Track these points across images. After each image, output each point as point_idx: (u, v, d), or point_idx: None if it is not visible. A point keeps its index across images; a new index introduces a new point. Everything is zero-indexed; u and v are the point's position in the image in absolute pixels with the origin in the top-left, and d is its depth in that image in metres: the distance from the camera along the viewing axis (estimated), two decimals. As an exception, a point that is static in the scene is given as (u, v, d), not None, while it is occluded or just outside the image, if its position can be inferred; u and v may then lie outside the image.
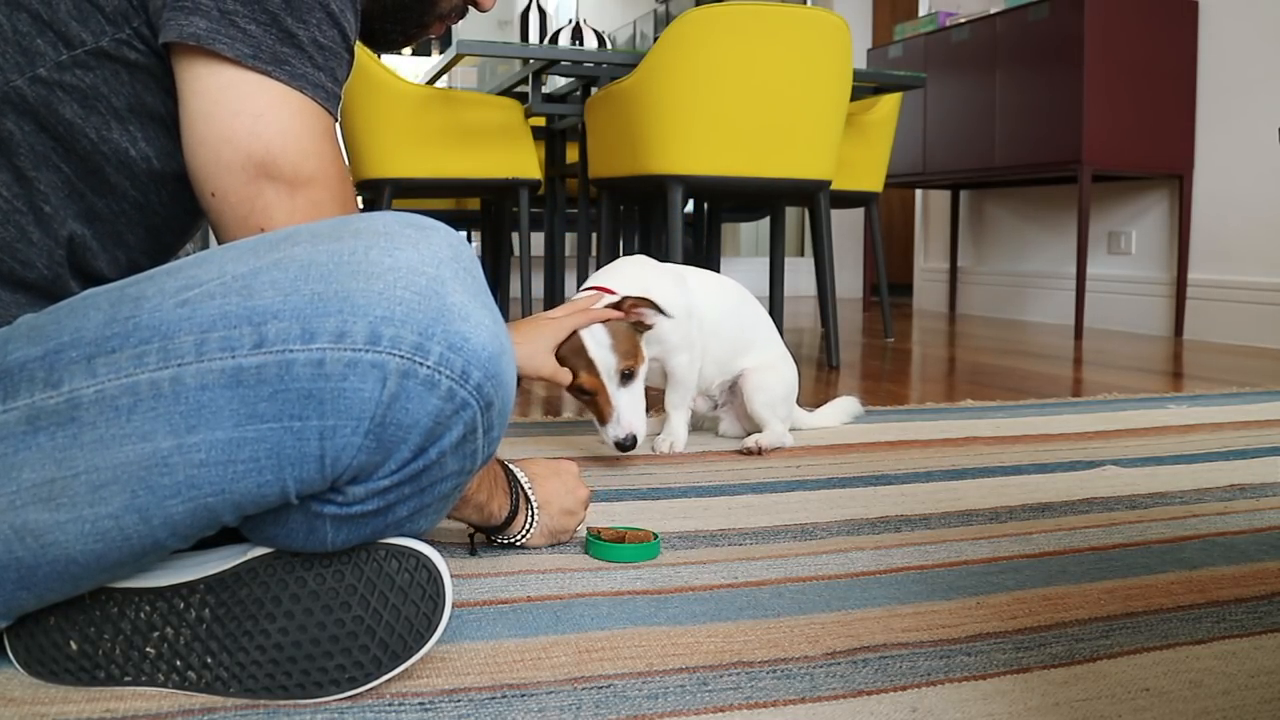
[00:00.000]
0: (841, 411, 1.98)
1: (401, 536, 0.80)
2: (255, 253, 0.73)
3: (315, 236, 0.73)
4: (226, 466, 0.69)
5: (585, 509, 1.18)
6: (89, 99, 0.81)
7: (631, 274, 1.65)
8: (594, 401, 1.52)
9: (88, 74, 0.81)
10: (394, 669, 0.78)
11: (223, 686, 0.77)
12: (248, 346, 0.69)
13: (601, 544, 1.14)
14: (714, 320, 1.73)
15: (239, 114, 0.79)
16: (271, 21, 0.80)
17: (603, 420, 1.52)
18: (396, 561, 0.78)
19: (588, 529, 1.18)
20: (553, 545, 1.17)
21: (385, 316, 0.69)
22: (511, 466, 1.13)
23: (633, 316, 1.53)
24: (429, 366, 0.70)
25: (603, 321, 1.51)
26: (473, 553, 1.15)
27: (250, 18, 0.79)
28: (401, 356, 0.69)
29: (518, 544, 1.15)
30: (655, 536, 1.16)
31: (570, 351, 1.50)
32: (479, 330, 0.73)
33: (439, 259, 0.73)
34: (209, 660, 0.77)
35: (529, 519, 1.13)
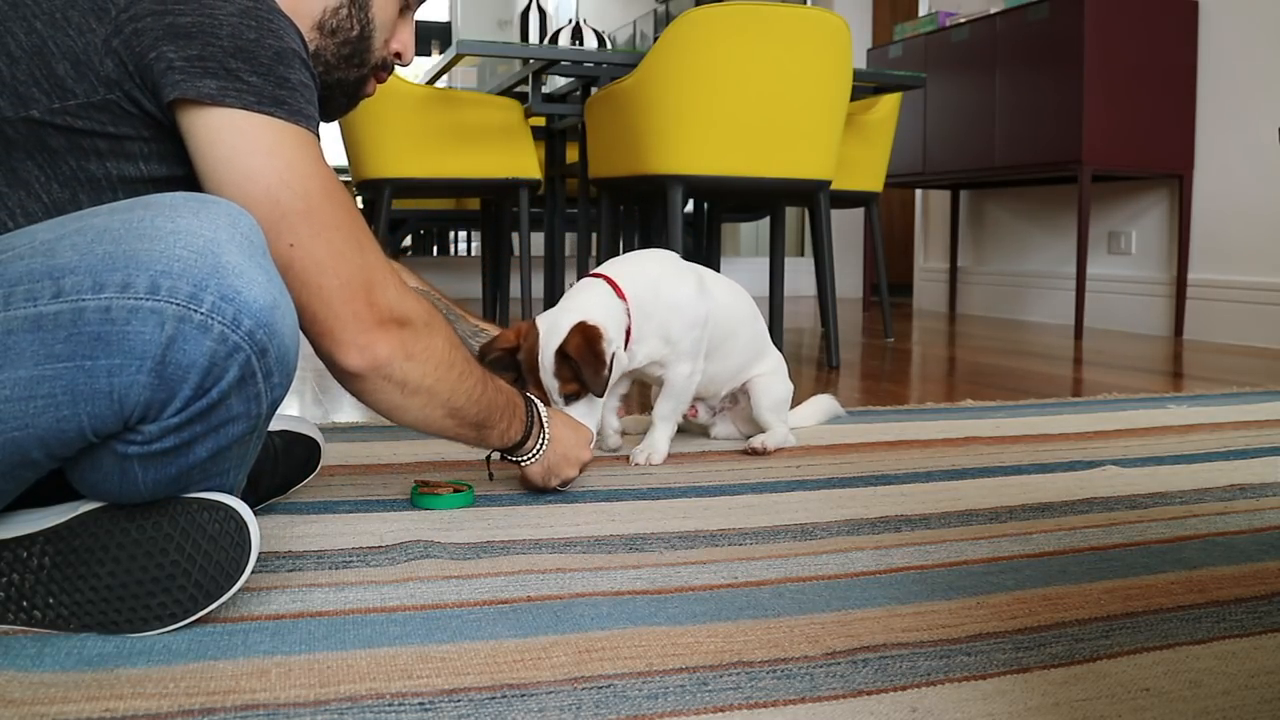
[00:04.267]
0: (819, 411, 1.95)
1: (217, 492, 0.91)
2: (63, 223, 0.84)
3: (113, 210, 0.84)
4: (28, 402, 0.79)
5: (581, 469, 1.38)
6: (75, 135, 0.91)
7: (646, 271, 1.60)
8: None
9: (77, 119, 0.91)
10: (209, 606, 0.90)
11: (63, 623, 0.88)
12: (47, 297, 0.79)
13: (421, 496, 1.33)
14: (732, 328, 1.68)
15: (254, 152, 0.92)
16: (268, 71, 0.93)
17: None
18: (208, 513, 0.89)
19: (415, 481, 1.37)
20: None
21: (164, 270, 0.80)
22: (536, 402, 1.31)
23: (578, 355, 1.45)
24: (202, 313, 0.80)
25: (560, 346, 1.46)
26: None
27: (251, 71, 0.92)
28: (177, 304, 0.79)
29: (523, 463, 1.32)
30: (469, 488, 1.36)
31: (528, 368, 1.50)
32: (252, 285, 0.83)
33: (216, 225, 0.83)
34: (50, 600, 0.88)
35: (540, 444, 1.31)
